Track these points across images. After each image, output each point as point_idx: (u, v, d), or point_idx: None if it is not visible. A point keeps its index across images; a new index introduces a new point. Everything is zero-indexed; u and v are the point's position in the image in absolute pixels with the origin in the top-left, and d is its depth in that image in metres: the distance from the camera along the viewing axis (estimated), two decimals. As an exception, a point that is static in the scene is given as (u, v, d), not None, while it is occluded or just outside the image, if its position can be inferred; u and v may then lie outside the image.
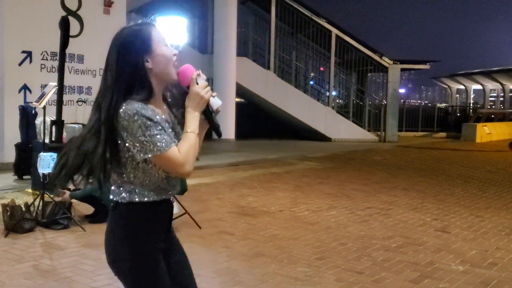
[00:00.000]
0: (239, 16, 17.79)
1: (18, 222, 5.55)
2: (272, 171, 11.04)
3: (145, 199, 2.09)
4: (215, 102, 2.17)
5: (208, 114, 2.18)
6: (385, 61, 20.10)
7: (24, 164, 8.46)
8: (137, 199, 2.08)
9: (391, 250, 5.45)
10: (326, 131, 19.22)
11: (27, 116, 8.79)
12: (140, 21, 2.14)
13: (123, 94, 2.01)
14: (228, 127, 17.72)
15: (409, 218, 6.97)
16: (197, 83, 2.09)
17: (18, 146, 8.84)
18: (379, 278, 4.58)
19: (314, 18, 19.32)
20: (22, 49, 9.93)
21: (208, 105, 2.15)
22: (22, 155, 8.63)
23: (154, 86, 2.08)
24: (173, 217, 5.98)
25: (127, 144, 2.00)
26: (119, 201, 2.10)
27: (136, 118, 1.97)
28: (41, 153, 5.91)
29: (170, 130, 2.10)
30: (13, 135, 9.18)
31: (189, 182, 7.04)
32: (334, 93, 21.01)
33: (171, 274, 2.19)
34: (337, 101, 21.86)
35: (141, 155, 1.99)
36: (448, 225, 6.66)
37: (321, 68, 21.25)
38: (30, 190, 7.51)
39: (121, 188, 2.10)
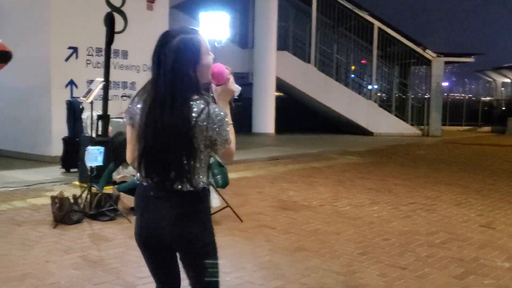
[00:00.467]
0: (279, 9, 17.77)
1: (67, 213, 5.72)
2: (313, 166, 11.02)
3: (206, 184, 2.28)
4: (237, 90, 2.38)
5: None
6: (429, 54, 19.73)
7: (71, 157, 8.70)
8: (207, 184, 2.28)
9: (435, 246, 5.38)
10: (368, 125, 19.03)
11: (74, 110, 9.03)
12: (187, 28, 2.24)
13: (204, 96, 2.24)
14: (268, 122, 17.78)
15: (453, 214, 6.85)
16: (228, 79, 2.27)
17: (65, 140, 9.09)
18: (423, 273, 4.54)
19: (356, 10, 19.13)
20: (68, 45, 10.19)
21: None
22: (69, 148, 8.88)
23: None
24: (215, 210, 6.06)
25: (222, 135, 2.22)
26: (199, 187, 2.23)
27: (222, 114, 2.22)
28: (88, 147, 6.08)
29: None
30: (60, 129, 9.45)
31: (230, 176, 7.10)
32: (376, 86, 20.77)
33: None
34: (379, 94, 21.59)
35: (232, 145, 2.26)
36: (493, 221, 6.52)
37: (363, 61, 21.03)
38: (77, 183, 7.72)
39: (201, 176, 2.23)
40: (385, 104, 20.33)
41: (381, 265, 4.74)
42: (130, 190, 6.38)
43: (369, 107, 19.17)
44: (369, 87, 20.35)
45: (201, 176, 2.23)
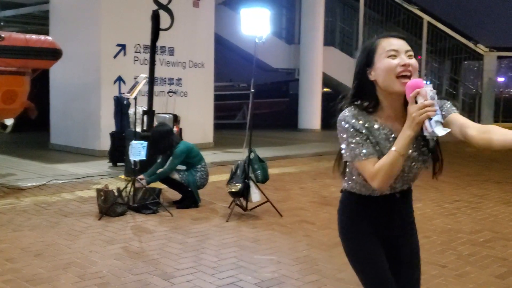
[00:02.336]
0: (326, 4, 17.65)
1: (111, 206, 5.90)
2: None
3: (354, 191, 2.26)
4: (437, 130, 1.93)
5: (427, 140, 2.13)
6: (480, 49, 19.19)
7: (118, 151, 8.94)
8: (348, 189, 2.28)
9: (478, 245, 5.25)
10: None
11: (121, 106, 9.26)
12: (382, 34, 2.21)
13: (351, 99, 2.18)
14: (314, 118, 17.71)
15: (500, 212, 6.67)
16: (416, 102, 1.95)
17: (112, 135, 9.34)
18: (463, 272, 4.45)
19: (405, 5, 18.80)
20: (117, 42, 10.45)
21: (425, 129, 1.95)
22: (116, 143, 9.13)
23: (381, 97, 2.13)
24: (255, 205, 6.12)
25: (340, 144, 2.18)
26: (342, 188, 2.34)
27: (342, 123, 2.13)
28: (132, 142, 6.23)
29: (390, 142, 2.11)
30: (109, 124, 9.72)
31: (273, 171, 7.16)
32: (426, 82, 20.34)
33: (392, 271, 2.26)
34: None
35: (344, 157, 2.18)
36: (543, 221, 6.31)
37: (418, 57, 20.66)
38: (123, 177, 7.93)
39: (346, 178, 2.29)
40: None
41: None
42: (173, 185, 6.53)
43: (418, 103, 18.81)
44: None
45: None
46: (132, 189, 6.20)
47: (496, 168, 10.60)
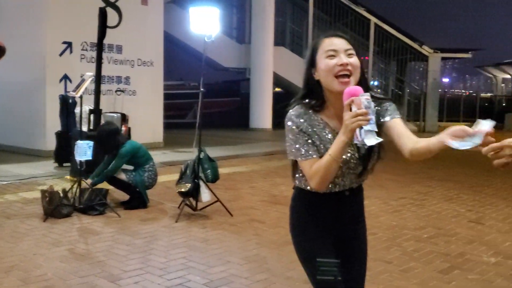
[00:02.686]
0: (276, 5, 17.76)
1: (57, 207, 5.75)
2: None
3: (303, 187, 2.28)
4: (367, 140, 1.95)
5: (360, 148, 2.16)
6: (425, 50, 19.74)
7: (64, 151, 8.73)
8: (299, 186, 2.31)
9: (422, 241, 5.41)
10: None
11: (66, 105, 9.05)
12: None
13: (302, 98, 2.21)
14: (265, 117, 17.79)
15: (443, 209, 6.88)
16: (351, 110, 1.95)
17: (58, 135, 9.12)
18: (408, 268, 4.57)
19: (353, 6, 19.13)
20: (63, 40, 10.21)
21: (356, 137, 1.98)
22: (62, 143, 8.91)
23: (326, 96, 2.15)
24: (205, 205, 6.09)
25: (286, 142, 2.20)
26: (294, 185, 2.36)
27: (288, 122, 2.17)
28: (78, 141, 6.10)
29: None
30: (54, 124, 9.48)
31: (224, 171, 7.15)
32: (372, 82, 20.77)
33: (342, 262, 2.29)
34: (376, 90, 21.61)
35: (288, 155, 2.20)
36: (483, 217, 6.55)
37: (361, 58, 21.03)
38: (69, 177, 7.75)
39: (297, 175, 2.30)
40: (382, 100, 20.34)
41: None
42: (121, 186, 6.42)
43: (366, 103, 19.19)
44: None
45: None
46: (78, 190, 6.06)
47: (439, 166, 10.92)
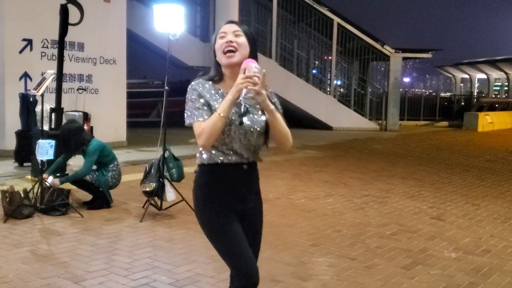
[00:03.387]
0: (240, 4, 17.74)
1: (17, 208, 5.62)
2: (272, 159, 11.08)
3: (205, 162, 2.50)
4: (245, 100, 2.34)
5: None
6: (387, 50, 20.07)
7: (24, 151, 8.54)
8: (200, 162, 2.52)
9: (385, 237, 5.50)
10: (328, 120, 19.25)
11: (27, 103, 8.85)
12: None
13: (202, 74, 2.55)
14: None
15: (405, 206, 7.02)
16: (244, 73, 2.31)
17: (18, 134, 8.92)
18: (371, 264, 4.64)
19: (316, 6, 19.28)
20: (23, 37, 9.97)
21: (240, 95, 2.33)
22: (22, 142, 8.72)
23: (223, 71, 2.49)
24: (170, 204, 6.04)
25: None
26: (196, 169, 2.57)
27: (188, 88, 2.46)
28: (39, 140, 5.97)
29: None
30: (14, 123, 9.27)
31: (189, 170, 7.07)
32: (335, 81, 21.00)
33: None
34: (340, 90, 21.83)
35: (185, 119, 2.44)
36: (444, 213, 6.71)
37: (325, 57, 21.22)
38: (30, 177, 7.58)
39: (198, 154, 2.53)
40: (344, 99, 20.58)
41: (331, 256, 4.83)
42: (84, 185, 6.31)
43: (329, 102, 19.38)
44: (328, 82, 20.55)
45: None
46: (39, 190, 5.94)
47: (401, 164, 11.14)
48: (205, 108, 2.39)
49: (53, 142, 5.94)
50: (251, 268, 2.47)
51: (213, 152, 2.46)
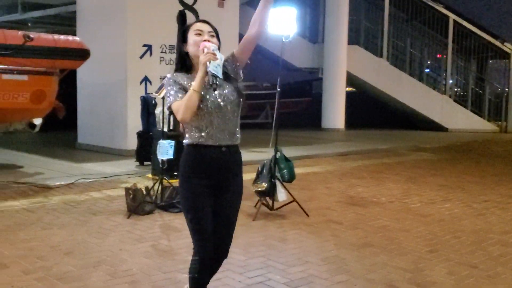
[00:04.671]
0: (351, 3, 17.52)
1: (140, 204, 5.96)
2: (383, 162, 10.85)
3: (189, 142, 2.93)
4: (213, 69, 2.78)
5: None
6: (508, 47, 18.86)
7: (145, 151, 9.00)
8: (185, 143, 2.96)
9: (509, 245, 5.18)
10: (442, 121, 18.46)
11: (147, 106, 9.32)
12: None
13: (176, 67, 3.02)
14: (338, 117, 17.60)
15: (531, 213, 6.56)
16: (203, 53, 2.78)
17: (139, 134, 9.42)
18: (494, 273, 4.39)
19: (430, 3, 18.56)
20: (143, 42, 10.53)
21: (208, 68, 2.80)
22: (143, 142, 9.20)
23: (193, 62, 2.94)
24: (281, 204, 6.10)
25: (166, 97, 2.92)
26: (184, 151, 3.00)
27: (166, 77, 2.93)
28: (160, 141, 6.29)
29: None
30: (135, 124, 9.80)
31: (298, 170, 7.13)
32: (451, 81, 20.08)
33: (215, 210, 2.97)
34: (455, 89, 20.85)
35: (167, 103, 2.89)
36: None
37: (439, 56, 20.36)
38: (150, 176, 7.99)
39: (186, 135, 2.96)
40: (460, 99, 19.62)
41: (450, 263, 4.63)
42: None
43: (444, 102, 18.59)
44: (444, 81, 19.69)
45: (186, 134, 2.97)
46: (159, 188, 6.25)
47: (525, 168, 10.42)
48: (182, 91, 2.83)
49: (173, 142, 6.22)
50: (205, 246, 2.98)
51: (195, 134, 2.89)
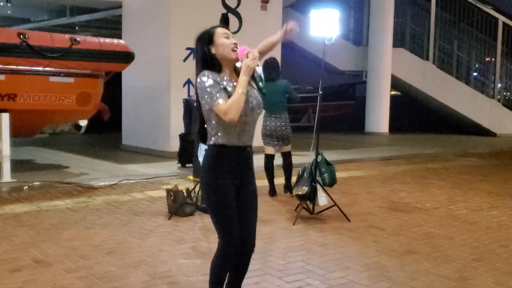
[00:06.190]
0: (396, 5, 17.24)
1: (180, 206, 5.99)
2: (428, 167, 10.60)
3: (217, 142, 2.98)
4: (259, 70, 2.96)
5: (254, 78, 2.98)
6: (560, 50, 18.20)
7: (186, 153, 9.09)
8: (212, 143, 3.00)
9: (561, 256, 4.95)
10: (490, 125, 17.93)
11: (190, 108, 9.39)
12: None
13: (201, 68, 3.01)
14: (382, 121, 17.34)
15: None
16: (247, 57, 2.89)
17: (181, 137, 9.51)
18: (545, 285, 4.20)
19: (479, 5, 18.08)
20: (186, 46, 10.62)
21: (254, 72, 2.94)
22: (185, 144, 9.29)
23: (222, 63, 3.02)
24: (322, 209, 6.03)
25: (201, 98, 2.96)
26: (207, 148, 3.07)
27: (204, 78, 2.93)
28: (201, 143, 6.30)
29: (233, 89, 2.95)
30: (178, 126, 9.90)
31: (340, 175, 7.04)
32: (499, 85, 19.49)
33: (238, 207, 3.06)
34: (504, 93, 20.22)
35: (203, 106, 2.95)
36: None
37: (488, 59, 19.78)
38: (191, 177, 8.04)
39: (209, 137, 3.03)
40: (510, 104, 19.01)
41: (497, 272, 4.46)
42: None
43: (492, 107, 18.06)
44: (493, 85, 19.13)
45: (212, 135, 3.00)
46: (200, 190, 6.26)
47: None
48: (222, 90, 2.89)
49: (213, 145, 6.22)
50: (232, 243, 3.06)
51: (225, 135, 2.95)
